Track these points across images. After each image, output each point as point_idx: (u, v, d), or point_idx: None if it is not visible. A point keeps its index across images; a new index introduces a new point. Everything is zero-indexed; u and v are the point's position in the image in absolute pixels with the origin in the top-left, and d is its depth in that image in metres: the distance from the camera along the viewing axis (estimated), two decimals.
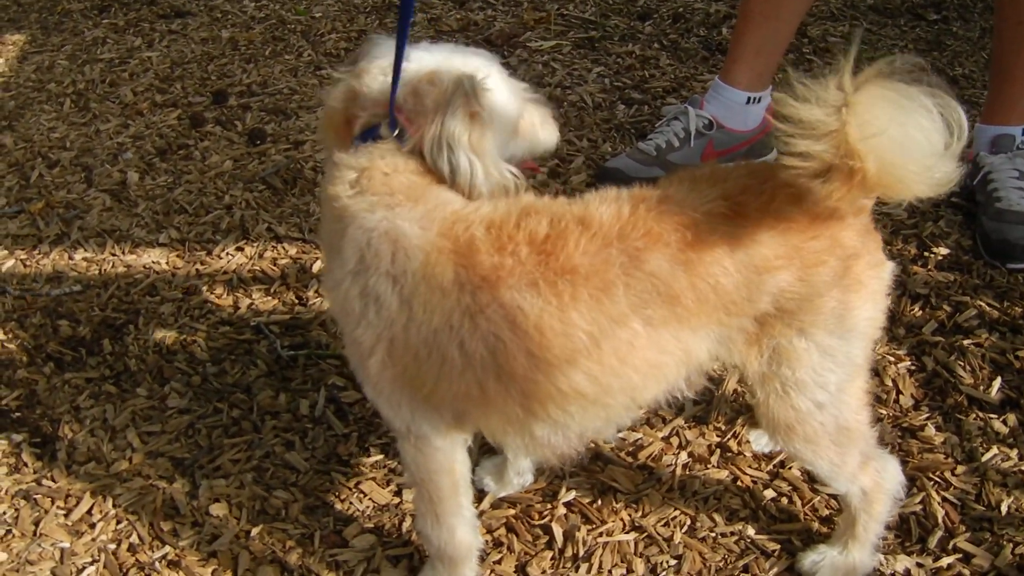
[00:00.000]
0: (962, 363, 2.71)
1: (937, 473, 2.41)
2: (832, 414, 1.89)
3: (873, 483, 2.04)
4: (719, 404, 2.63)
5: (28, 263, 3.49)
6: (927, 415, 2.58)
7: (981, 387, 2.64)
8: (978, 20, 4.67)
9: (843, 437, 1.93)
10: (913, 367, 2.72)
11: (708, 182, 1.79)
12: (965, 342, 2.78)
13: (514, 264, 1.69)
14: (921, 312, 2.91)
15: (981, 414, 2.56)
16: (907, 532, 2.29)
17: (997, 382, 2.64)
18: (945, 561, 2.21)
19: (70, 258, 3.49)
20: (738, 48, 3.52)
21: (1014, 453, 2.46)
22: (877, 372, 2.68)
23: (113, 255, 3.48)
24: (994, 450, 2.46)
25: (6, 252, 3.56)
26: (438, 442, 1.93)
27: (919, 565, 2.21)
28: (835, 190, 1.64)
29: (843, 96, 1.59)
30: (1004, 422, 2.54)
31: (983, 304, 2.91)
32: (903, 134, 1.60)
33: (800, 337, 1.81)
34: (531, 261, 1.69)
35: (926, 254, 3.13)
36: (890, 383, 2.67)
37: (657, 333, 1.73)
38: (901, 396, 2.63)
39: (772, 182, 1.74)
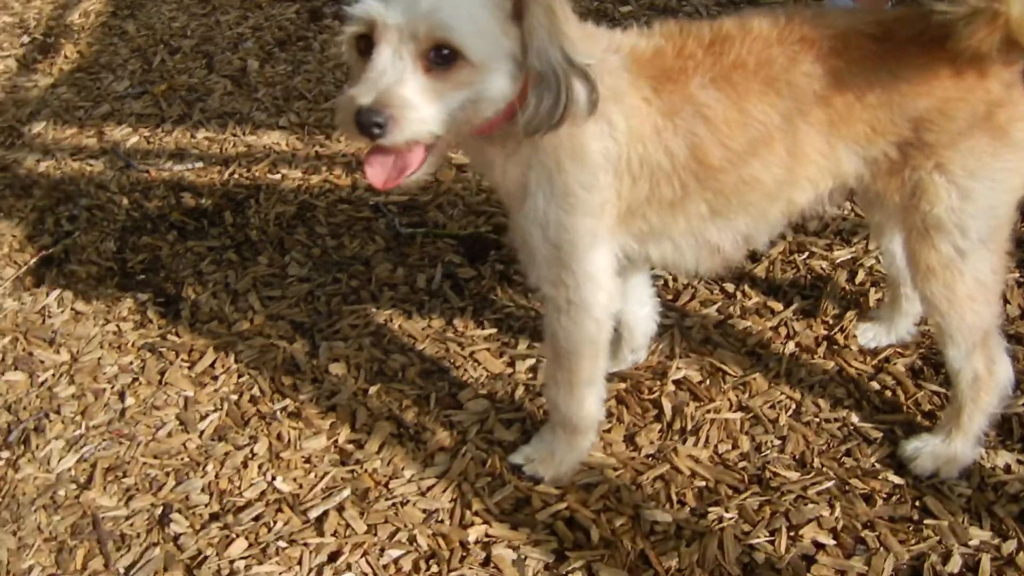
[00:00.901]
0: None
1: None
2: (972, 264, 1.95)
3: (985, 369, 2.08)
4: (828, 297, 2.67)
5: (151, 140, 3.63)
6: None
7: None
8: None
9: (979, 292, 1.99)
10: (1021, 279, 2.73)
11: (865, 11, 1.93)
12: None
13: (695, 64, 1.85)
14: None
15: None
16: (1008, 432, 2.31)
17: None
18: None
19: (192, 137, 3.62)
20: None
21: None
22: None
23: (234, 135, 3.60)
24: None
25: (130, 129, 3.70)
26: (596, 312, 2.01)
27: (1020, 462, 2.24)
28: (977, 31, 1.70)
29: None
30: None
31: None
32: None
33: (940, 174, 1.88)
34: (707, 61, 1.85)
35: None
36: None
37: (815, 132, 1.87)
38: (1008, 306, 2.64)
39: (926, 20, 1.79)
